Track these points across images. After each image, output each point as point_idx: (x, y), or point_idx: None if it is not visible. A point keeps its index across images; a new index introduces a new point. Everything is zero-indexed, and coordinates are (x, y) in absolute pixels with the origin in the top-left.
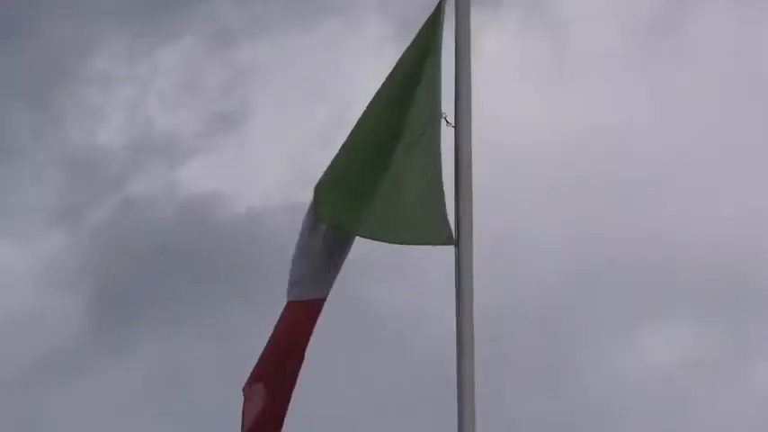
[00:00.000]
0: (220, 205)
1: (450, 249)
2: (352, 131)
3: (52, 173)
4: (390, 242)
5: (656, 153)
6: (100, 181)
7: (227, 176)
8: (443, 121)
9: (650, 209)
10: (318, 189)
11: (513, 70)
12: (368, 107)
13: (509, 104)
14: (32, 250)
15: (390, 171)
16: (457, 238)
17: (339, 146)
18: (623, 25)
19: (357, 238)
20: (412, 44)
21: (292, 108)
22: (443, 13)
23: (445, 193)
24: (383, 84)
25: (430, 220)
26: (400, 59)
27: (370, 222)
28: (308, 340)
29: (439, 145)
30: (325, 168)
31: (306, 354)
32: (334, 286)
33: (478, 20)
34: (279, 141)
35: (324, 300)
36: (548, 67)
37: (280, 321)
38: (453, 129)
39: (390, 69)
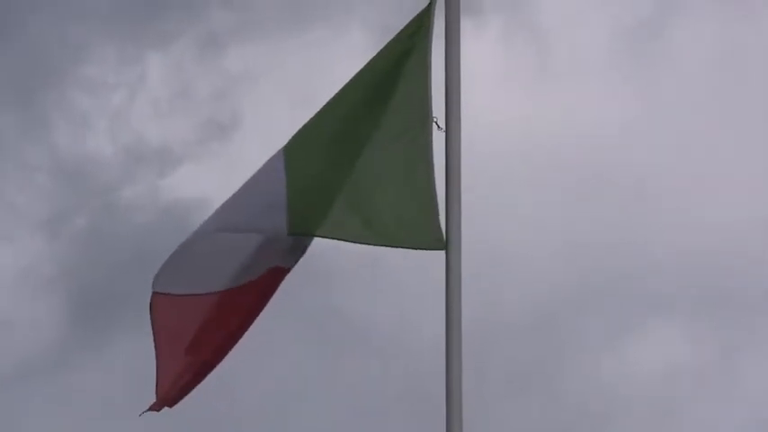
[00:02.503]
0: (206, 213)
1: (434, 256)
2: (318, 123)
3: (38, 177)
4: (379, 245)
5: (641, 159)
6: (86, 187)
7: (215, 184)
8: (434, 126)
9: (637, 215)
10: (292, 193)
11: (498, 76)
12: (336, 99)
13: (495, 110)
14: (14, 253)
15: (369, 170)
16: (446, 243)
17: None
18: (609, 30)
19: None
20: (391, 45)
21: (281, 115)
22: (432, 18)
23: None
24: (355, 77)
25: (422, 223)
26: (375, 59)
27: (355, 225)
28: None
29: (431, 149)
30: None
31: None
32: (315, 298)
33: (465, 25)
34: (267, 148)
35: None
36: (533, 72)
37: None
38: (444, 133)
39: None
